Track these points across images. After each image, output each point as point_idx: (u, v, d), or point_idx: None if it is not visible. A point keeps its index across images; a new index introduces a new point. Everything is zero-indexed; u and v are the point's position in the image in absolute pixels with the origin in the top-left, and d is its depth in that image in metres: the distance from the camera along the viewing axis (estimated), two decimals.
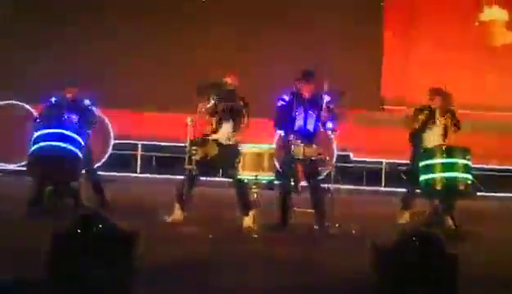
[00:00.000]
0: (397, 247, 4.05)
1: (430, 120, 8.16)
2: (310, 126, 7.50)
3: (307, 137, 7.44)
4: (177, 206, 7.47)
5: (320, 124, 7.52)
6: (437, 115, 8.18)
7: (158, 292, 4.68)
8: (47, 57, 11.51)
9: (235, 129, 7.52)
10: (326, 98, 7.43)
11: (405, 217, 8.27)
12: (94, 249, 3.82)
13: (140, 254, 4.09)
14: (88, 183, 8.18)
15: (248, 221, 7.32)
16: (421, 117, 8.16)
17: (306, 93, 7.48)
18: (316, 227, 7.40)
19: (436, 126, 8.17)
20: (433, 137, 8.14)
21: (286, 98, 7.47)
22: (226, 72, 7.69)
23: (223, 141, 7.45)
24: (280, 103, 7.47)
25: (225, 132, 7.49)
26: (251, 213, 7.29)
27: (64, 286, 3.83)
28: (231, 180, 7.48)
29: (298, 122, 7.46)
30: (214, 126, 7.52)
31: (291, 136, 7.37)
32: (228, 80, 7.60)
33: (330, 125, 7.51)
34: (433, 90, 8.33)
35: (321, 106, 7.44)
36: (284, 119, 7.47)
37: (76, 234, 3.86)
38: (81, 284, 3.78)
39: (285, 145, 7.50)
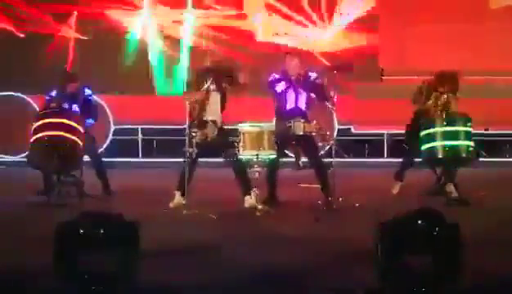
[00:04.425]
0: (399, 220, 4.06)
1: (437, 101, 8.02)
2: (301, 105, 7.48)
3: (301, 115, 7.43)
4: (177, 192, 7.46)
5: (311, 100, 7.51)
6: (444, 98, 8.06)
7: (162, 277, 4.69)
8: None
9: (223, 107, 7.48)
10: (313, 75, 7.46)
11: (396, 188, 8.26)
12: (96, 240, 3.83)
13: (142, 243, 4.10)
14: (92, 170, 8.18)
15: (251, 200, 7.32)
16: (431, 102, 7.98)
17: (292, 71, 7.45)
18: (319, 202, 7.41)
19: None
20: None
21: (275, 78, 7.47)
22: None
23: (219, 122, 7.43)
24: (271, 80, 7.46)
25: (214, 112, 7.45)
26: (253, 191, 7.30)
27: (66, 277, 3.85)
28: (227, 159, 7.46)
29: (290, 102, 7.45)
30: (199, 107, 7.45)
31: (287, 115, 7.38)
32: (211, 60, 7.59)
33: (327, 100, 7.50)
34: (441, 74, 8.06)
35: (311, 83, 7.44)
36: (276, 99, 7.47)
37: (77, 226, 3.87)
38: (83, 276, 3.80)
39: (283, 122, 7.46)
